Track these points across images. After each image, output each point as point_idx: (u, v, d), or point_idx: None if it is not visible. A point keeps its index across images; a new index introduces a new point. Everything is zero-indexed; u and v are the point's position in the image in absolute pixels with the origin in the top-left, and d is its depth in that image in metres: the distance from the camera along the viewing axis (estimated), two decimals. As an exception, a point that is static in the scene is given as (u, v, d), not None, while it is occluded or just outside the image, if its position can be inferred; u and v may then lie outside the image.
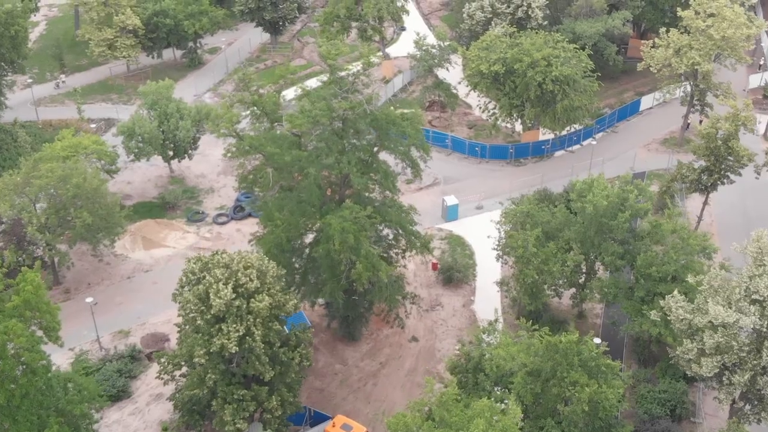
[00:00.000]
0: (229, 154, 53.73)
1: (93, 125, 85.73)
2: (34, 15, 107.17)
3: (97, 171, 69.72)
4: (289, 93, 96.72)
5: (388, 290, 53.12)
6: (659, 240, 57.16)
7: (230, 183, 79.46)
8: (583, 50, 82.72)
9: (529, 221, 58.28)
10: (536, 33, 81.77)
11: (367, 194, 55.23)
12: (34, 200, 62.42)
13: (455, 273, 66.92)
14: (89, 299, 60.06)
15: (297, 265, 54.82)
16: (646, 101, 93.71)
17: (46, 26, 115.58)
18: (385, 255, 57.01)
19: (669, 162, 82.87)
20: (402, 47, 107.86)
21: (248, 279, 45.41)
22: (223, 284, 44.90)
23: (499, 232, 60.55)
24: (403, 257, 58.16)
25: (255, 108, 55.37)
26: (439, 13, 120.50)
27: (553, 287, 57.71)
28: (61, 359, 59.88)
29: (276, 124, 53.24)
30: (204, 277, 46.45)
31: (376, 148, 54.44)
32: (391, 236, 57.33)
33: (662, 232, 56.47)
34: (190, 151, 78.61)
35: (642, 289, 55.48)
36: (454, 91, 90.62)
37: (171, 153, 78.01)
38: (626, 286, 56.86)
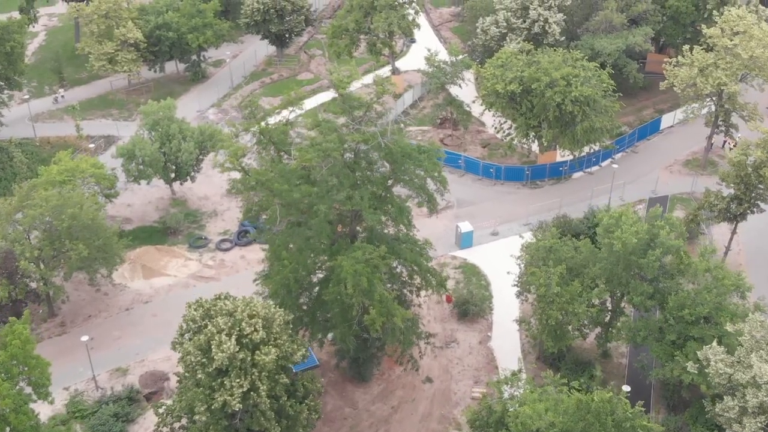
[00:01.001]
0: (233, 190, 50.29)
1: (92, 145, 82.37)
2: (33, 26, 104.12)
3: (94, 197, 66.55)
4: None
5: (403, 333, 49.65)
6: (691, 279, 53.73)
7: (234, 206, 76.03)
8: (604, 68, 79.25)
9: (552, 257, 54.78)
10: (554, 50, 78.22)
11: (379, 227, 51.85)
12: (28, 231, 59.11)
13: (471, 306, 63.42)
14: (84, 338, 56.60)
15: (305, 307, 51.39)
16: (667, 119, 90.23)
17: (46, 37, 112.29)
18: (398, 292, 53.68)
19: (693, 185, 79.36)
20: (412, 60, 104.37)
21: (253, 329, 42.02)
22: (226, 335, 41.53)
23: (520, 267, 57.02)
24: (418, 296, 54.72)
25: (262, 137, 52.03)
26: (450, 25, 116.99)
27: (578, 328, 54.21)
28: (55, 399, 56.43)
29: (284, 155, 49.77)
30: (206, 325, 43.06)
31: (390, 181, 50.99)
32: (405, 273, 53.83)
33: (695, 271, 52.98)
34: (192, 173, 75.19)
35: (673, 332, 52.00)
36: (467, 109, 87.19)
37: (173, 175, 74.64)
38: (656, 328, 53.33)
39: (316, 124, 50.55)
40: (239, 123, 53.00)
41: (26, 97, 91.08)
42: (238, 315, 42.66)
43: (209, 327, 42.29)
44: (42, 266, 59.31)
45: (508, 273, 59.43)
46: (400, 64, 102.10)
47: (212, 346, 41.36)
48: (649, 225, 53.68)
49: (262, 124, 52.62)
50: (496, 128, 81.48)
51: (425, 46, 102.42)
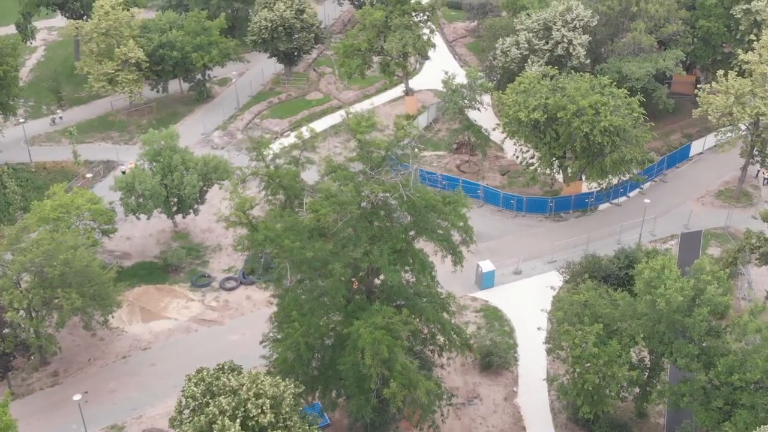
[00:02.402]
0: (240, 247, 45.67)
1: (89, 174, 77.75)
2: (31, 42, 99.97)
3: (90, 234, 62.36)
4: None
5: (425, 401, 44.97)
6: (738, 337, 49.02)
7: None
8: (633, 93, 74.58)
9: (587, 312, 50.11)
10: (581, 76, 73.53)
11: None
12: (18, 279, 54.62)
13: (495, 358, 58.71)
14: (77, 396, 51.87)
15: (317, 371, 46.74)
16: (696, 145, 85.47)
17: (45, 52, 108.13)
18: (419, 353, 49.10)
19: (727, 219, 74.55)
20: (425, 78, 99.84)
21: (260, 411, 37.47)
22: (230, 417, 36.97)
23: (551, 323, 52.27)
24: (440, 356, 50.05)
25: (271, 181, 47.54)
26: (465, 41, 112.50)
27: (617, 391, 49.45)
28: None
29: (297, 208, 45.11)
30: (207, 404, 38.50)
31: (412, 232, 46.35)
32: (426, 330, 49.23)
33: (743, 330, 48.27)
34: (196, 207, 70.66)
35: (720, 399, 47.35)
36: (486, 134, 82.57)
37: (175, 208, 70.08)
38: (700, 391, 48.57)
39: (332, 170, 45.99)
40: (246, 167, 48.40)
41: (22, 120, 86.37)
42: (243, 394, 38.13)
43: (211, 407, 37.74)
44: (32, 315, 54.93)
45: (539, 329, 54.78)
46: (413, 82, 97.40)
47: (214, 431, 36.80)
48: (695, 280, 48.99)
49: (271, 166, 48.26)
50: (517, 157, 76.87)
51: (439, 62, 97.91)
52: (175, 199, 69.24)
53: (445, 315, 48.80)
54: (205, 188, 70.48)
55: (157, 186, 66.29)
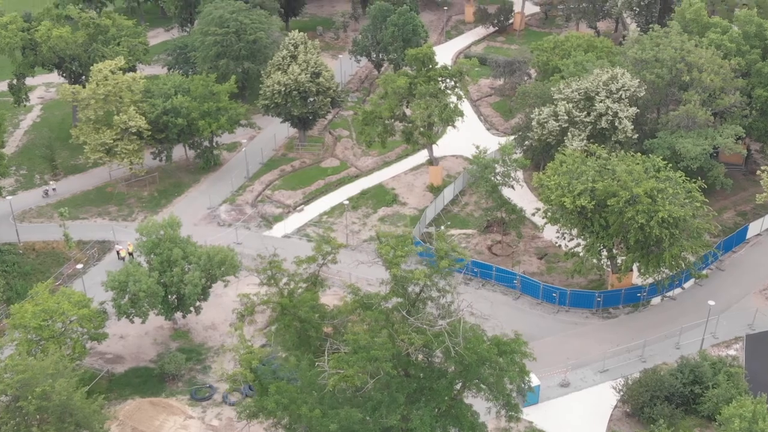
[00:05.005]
0: (245, 414, 37.36)
1: (80, 265, 69.53)
2: (26, 103, 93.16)
3: (77, 341, 54.43)
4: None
5: None
6: None
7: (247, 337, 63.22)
8: (688, 174, 66.41)
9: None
10: (632, 156, 65.50)
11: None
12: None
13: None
14: None
15: None
16: (753, 226, 77.11)
17: (41, 112, 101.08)
18: None
19: (797, 318, 66.00)
20: (449, 142, 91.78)
21: None
22: None
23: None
24: None
25: (285, 312, 39.41)
26: (490, 99, 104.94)
27: None
28: None
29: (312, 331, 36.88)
30: None
31: (458, 385, 38.01)
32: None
33: None
34: (198, 304, 62.60)
35: None
36: (523, 212, 74.48)
37: (174, 306, 61.93)
38: None
39: (360, 306, 37.80)
40: (254, 294, 40.32)
41: (9, 197, 78.09)
42: None
43: None
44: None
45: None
46: (436, 146, 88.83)
47: None
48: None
49: (284, 292, 40.23)
50: (558, 246, 68.59)
51: (463, 124, 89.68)
52: (174, 297, 61.18)
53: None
54: (208, 283, 62.41)
55: (153, 285, 58.25)
